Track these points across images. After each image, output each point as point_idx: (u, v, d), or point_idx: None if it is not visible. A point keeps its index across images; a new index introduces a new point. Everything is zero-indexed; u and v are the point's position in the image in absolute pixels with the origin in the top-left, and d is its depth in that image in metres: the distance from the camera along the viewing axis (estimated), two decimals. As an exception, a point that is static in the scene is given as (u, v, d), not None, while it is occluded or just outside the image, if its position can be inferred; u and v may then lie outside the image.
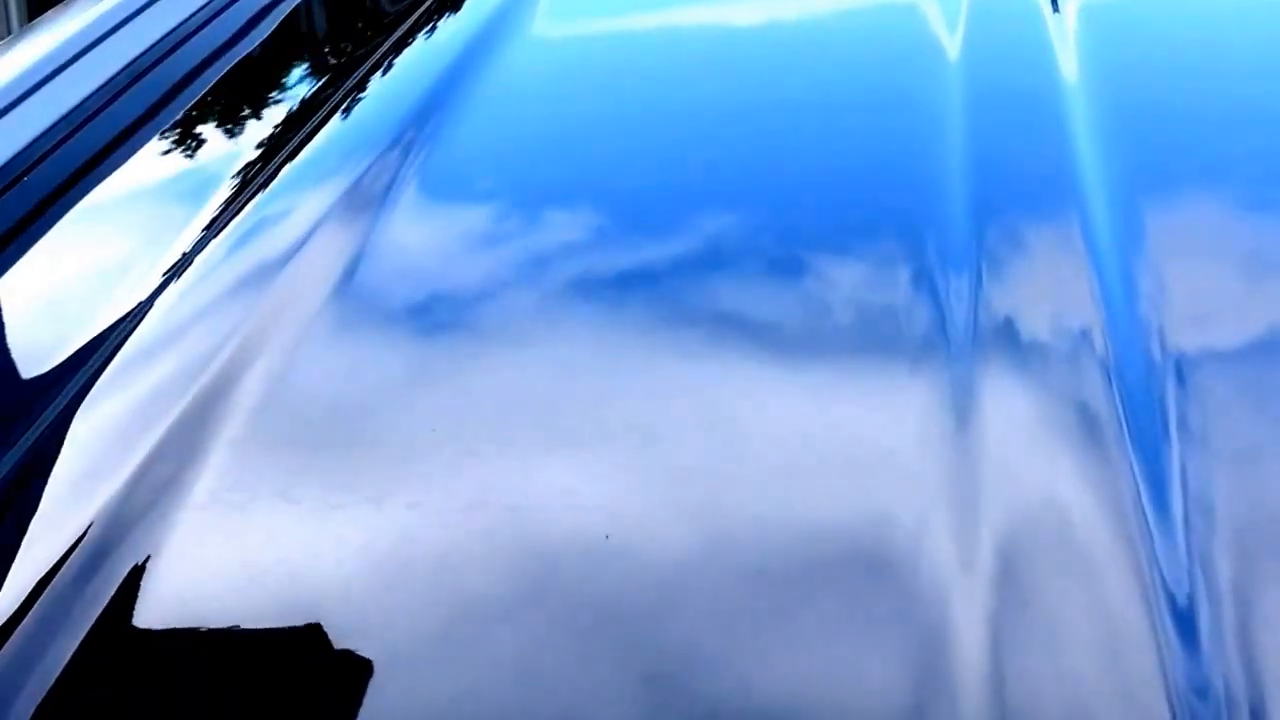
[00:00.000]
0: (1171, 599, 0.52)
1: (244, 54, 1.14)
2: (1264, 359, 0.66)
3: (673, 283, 0.74)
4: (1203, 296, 0.70)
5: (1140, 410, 0.61)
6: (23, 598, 0.56)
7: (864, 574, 0.54)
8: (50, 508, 0.63)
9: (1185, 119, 0.89)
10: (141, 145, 0.99)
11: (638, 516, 0.58)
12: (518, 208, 0.85)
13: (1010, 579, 0.53)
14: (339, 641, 0.53)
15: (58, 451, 0.67)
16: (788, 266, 0.76)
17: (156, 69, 1.07)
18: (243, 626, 0.56)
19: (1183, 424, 0.61)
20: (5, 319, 0.82)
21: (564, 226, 0.83)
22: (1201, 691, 0.49)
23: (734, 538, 0.56)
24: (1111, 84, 0.91)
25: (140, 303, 0.78)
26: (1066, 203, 0.77)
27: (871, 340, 0.68)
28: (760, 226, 0.81)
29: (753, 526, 0.57)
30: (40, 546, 0.59)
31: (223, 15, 1.15)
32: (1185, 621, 0.52)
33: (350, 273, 0.76)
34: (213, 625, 0.56)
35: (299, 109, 1.04)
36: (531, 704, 0.50)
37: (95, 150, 0.96)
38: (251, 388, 0.67)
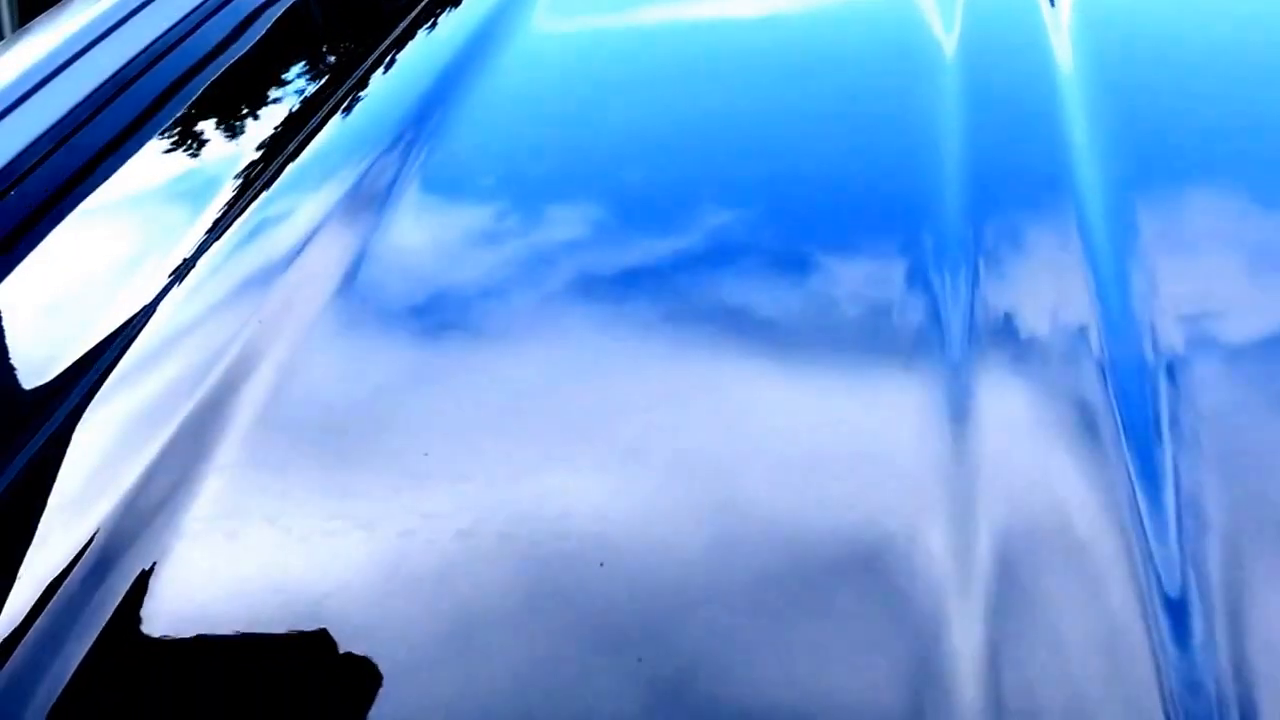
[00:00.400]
0: (1166, 598, 0.53)
1: (240, 55, 1.13)
2: (1260, 357, 0.66)
3: (673, 283, 0.75)
4: (1198, 294, 0.70)
5: (1135, 409, 0.62)
6: (29, 606, 0.56)
7: (857, 574, 0.55)
8: (55, 515, 0.63)
9: (1182, 115, 0.89)
10: (140, 147, 0.99)
11: (640, 522, 0.58)
12: (519, 208, 0.85)
13: (1005, 578, 0.54)
14: (345, 651, 0.54)
15: (62, 458, 0.67)
16: (783, 266, 0.76)
17: (154, 70, 1.06)
18: (247, 636, 0.56)
19: (1177, 422, 0.61)
20: (7, 324, 0.82)
21: (564, 227, 0.83)
22: (1195, 690, 0.50)
23: (733, 540, 0.57)
24: (1108, 80, 0.91)
25: (144, 307, 0.78)
26: (1062, 200, 0.77)
27: (867, 339, 0.68)
28: (757, 226, 0.81)
29: (751, 527, 0.57)
30: (45, 554, 0.60)
31: (219, 15, 1.14)
32: (1179, 620, 0.52)
33: (352, 276, 0.77)
34: (217, 635, 0.56)
35: (298, 109, 1.04)
36: (537, 712, 0.50)
37: (93, 153, 0.96)
38: (255, 395, 0.67)
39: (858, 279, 0.74)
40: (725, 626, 0.53)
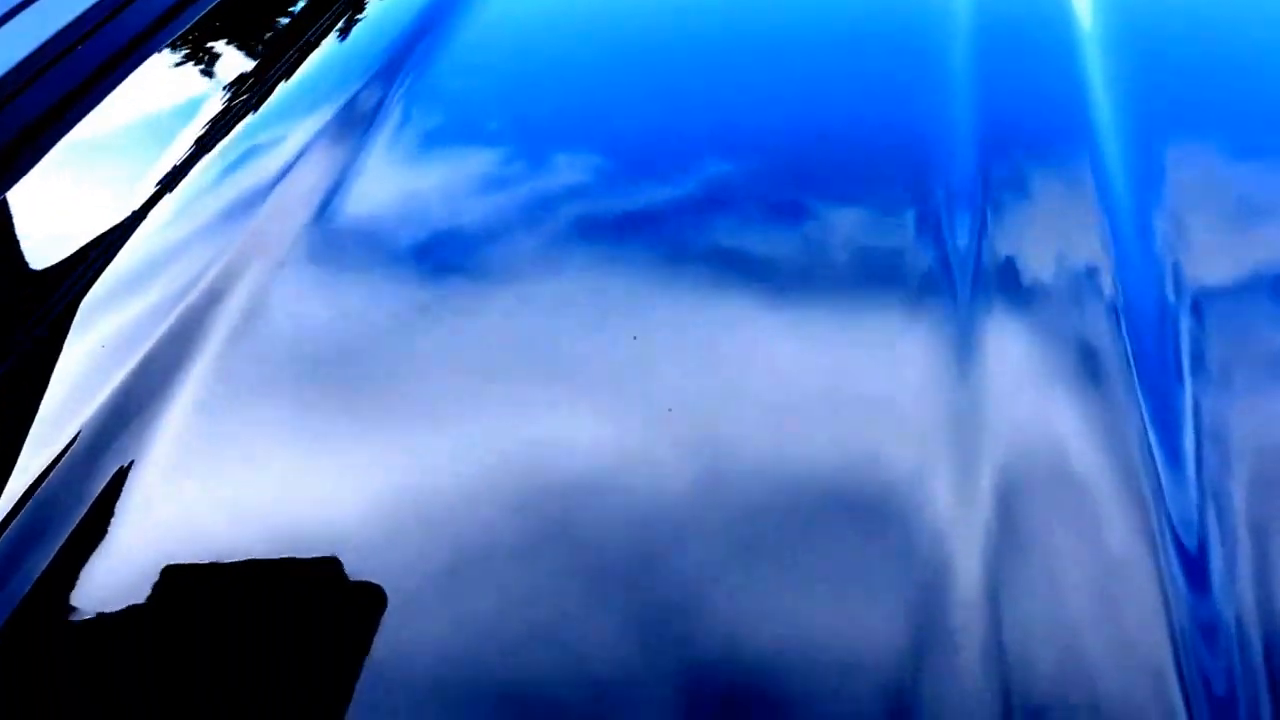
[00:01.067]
0: (1179, 540, 0.52)
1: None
2: (1275, 299, 0.65)
3: (670, 219, 0.72)
4: (1214, 236, 0.68)
5: (1150, 350, 0.60)
6: (10, 506, 0.56)
7: (866, 514, 0.53)
8: (37, 420, 0.62)
9: (1201, 58, 0.87)
10: (136, 66, 0.97)
11: (639, 457, 0.57)
12: (508, 136, 0.83)
13: (1015, 519, 0.52)
14: (312, 555, 0.53)
15: (46, 365, 0.66)
16: (788, 207, 0.74)
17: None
18: (220, 542, 0.55)
19: (1192, 364, 0.59)
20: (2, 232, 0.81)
21: (555, 159, 0.81)
22: (1209, 631, 0.49)
23: (736, 479, 0.56)
24: (1126, 16, 0.89)
25: (133, 212, 0.77)
26: (1077, 140, 0.75)
27: (876, 280, 0.67)
28: (761, 165, 0.79)
29: (756, 468, 0.56)
30: (27, 457, 0.59)
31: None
32: (1193, 562, 0.51)
33: (336, 198, 0.75)
34: (190, 539, 0.55)
35: (292, 30, 1.02)
36: (523, 637, 0.50)
37: (90, 71, 0.95)
38: (235, 310, 0.66)
39: (867, 221, 0.72)
40: (725, 564, 0.52)
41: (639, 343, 0.63)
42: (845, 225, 0.71)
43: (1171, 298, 0.64)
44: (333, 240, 0.72)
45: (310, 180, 0.77)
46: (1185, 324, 0.62)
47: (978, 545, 0.51)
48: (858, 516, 0.53)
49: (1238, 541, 0.52)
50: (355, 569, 0.53)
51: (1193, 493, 0.54)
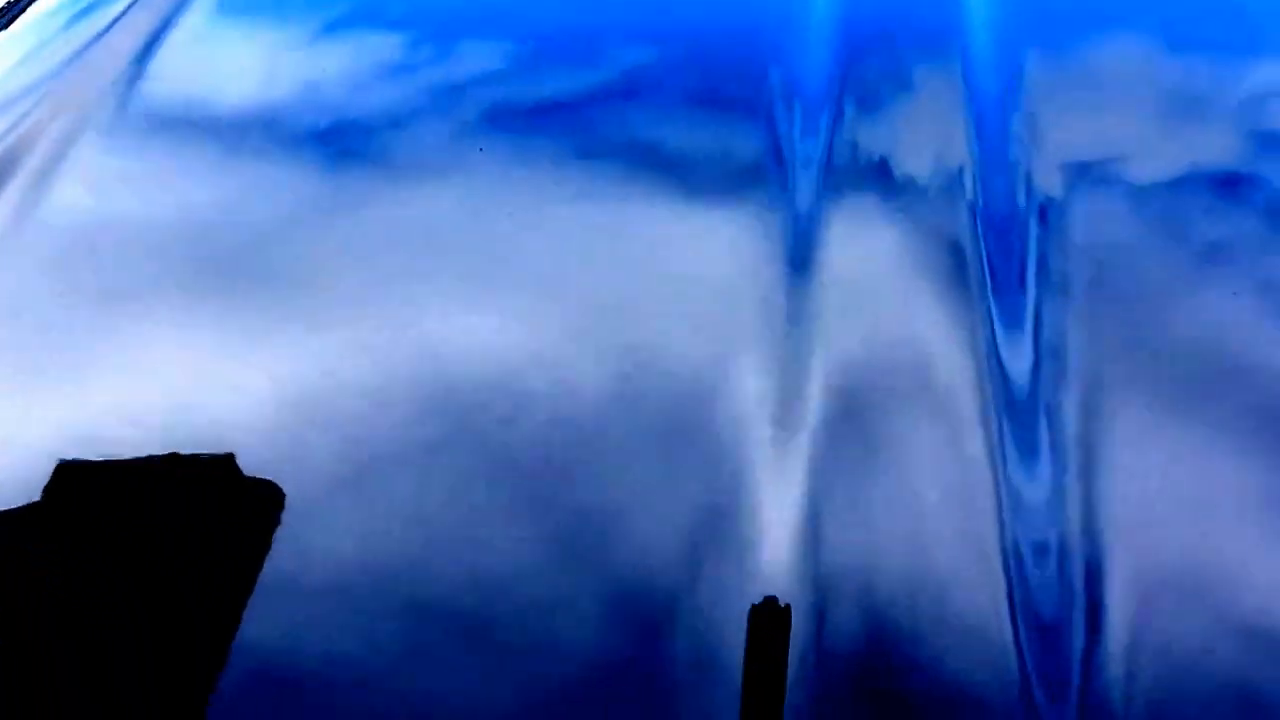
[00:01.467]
0: (1018, 443, 0.52)
1: None
2: (1131, 208, 0.65)
3: (517, 102, 0.70)
4: (1080, 144, 0.68)
5: (1004, 251, 0.60)
6: None
7: (704, 410, 0.53)
8: None
9: None
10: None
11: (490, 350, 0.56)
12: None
13: (854, 416, 0.52)
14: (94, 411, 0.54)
15: None
16: (643, 107, 0.71)
17: None
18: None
19: (1044, 268, 0.59)
20: None
21: (405, 21, 0.77)
22: (1040, 544, 0.49)
23: (574, 370, 0.55)
24: None
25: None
26: (948, 43, 0.74)
27: (720, 174, 0.65)
28: (615, 57, 0.76)
29: (598, 357, 0.55)
30: None
31: None
32: (1029, 466, 0.51)
33: (153, 52, 0.71)
34: None
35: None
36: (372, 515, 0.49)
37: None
38: (34, 170, 0.64)
39: (719, 114, 0.70)
40: (562, 450, 0.52)
41: (442, 212, 0.62)
42: (702, 119, 0.70)
43: (1029, 201, 0.63)
44: (144, 95, 0.69)
45: (130, 34, 0.73)
46: (1042, 228, 0.62)
47: (815, 440, 0.51)
48: (695, 410, 0.53)
49: (1071, 443, 0.52)
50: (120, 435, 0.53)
51: (1036, 397, 0.54)
